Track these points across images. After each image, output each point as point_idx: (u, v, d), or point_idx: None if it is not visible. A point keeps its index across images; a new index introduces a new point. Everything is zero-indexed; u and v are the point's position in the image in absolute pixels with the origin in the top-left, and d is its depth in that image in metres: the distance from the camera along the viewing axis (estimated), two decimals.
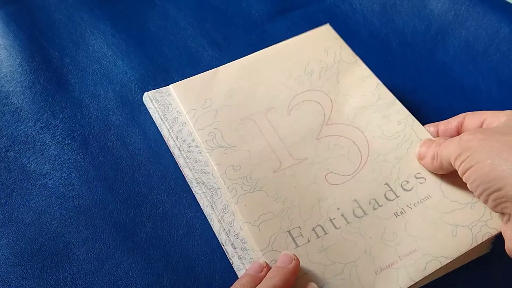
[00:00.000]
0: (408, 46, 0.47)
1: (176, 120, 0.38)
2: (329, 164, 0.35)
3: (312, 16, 0.51)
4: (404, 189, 0.34)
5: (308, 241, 0.32)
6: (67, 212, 0.38)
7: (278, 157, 0.35)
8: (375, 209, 0.33)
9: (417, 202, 0.33)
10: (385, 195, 0.34)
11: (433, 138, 0.35)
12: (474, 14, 0.45)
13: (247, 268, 0.32)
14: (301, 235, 0.32)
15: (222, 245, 0.34)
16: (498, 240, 0.33)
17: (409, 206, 0.33)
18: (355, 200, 0.33)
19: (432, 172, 0.34)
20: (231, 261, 0.33)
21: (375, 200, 0.33)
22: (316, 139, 0.36)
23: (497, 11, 0.45)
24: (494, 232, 0.31)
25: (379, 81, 0.39)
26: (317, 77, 0.40)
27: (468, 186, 0.30)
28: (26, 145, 0.41)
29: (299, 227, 0.32)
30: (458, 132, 0.35)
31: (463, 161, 0.30)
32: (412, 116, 0.37)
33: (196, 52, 0.47)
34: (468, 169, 0.29)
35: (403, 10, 0.48)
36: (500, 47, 0.44)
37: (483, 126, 0.33)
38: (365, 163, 0.35)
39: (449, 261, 0.31)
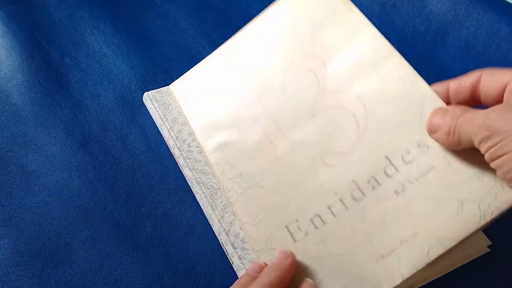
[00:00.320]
0: (408, 46, 0.47)
1: (176, 120, 0.38)
2: (326, 142, 0.33)
3: None
4: (405, 162, 0.30)
5: (306, 234, 0.31)
6: (67, 212, 0.38)
7: (274, 144, 0.34)
8: (374, 188, 0.30)
9: (419, 176, 0.30)
10: (384, 171, 0.31)
11: (446, 107, 0.29)
12: (474, 14, 0.45)
13: (247, 268, 0.32)
14: (299, 228, 0.31)
15: (222, 245, 0.34)
16: (498, 240, 0.33)
17: (411, 181, 0.30)
18: (353, 181, 0.31)
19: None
20: (231, 261, 0.33)
21: (374, 178, 0.31)
22: (312, 115, 0.34)
23: (497, 11, 0.45)
24: (505, 207, 0.27)
25: (374, 29, 0.33)
26: (308, 40, 0.35)
27: (498, 174, 0.27)
28: (26, 145, 0.41)
29: (296, 220, 0.32)
30: (473, 94, 0.30)
31: (493, 146, 0.25)
32: (414, 71, 0.32)
33: (196, 52, 0.47)
34: (500, 156, 0.25)
35: (403, 10, 0.48)
36: (500, 47, 0.44)
37: (507, 92, 0.28)
38: (363, 135, 0.32)
39: (454, 244, 0.28)
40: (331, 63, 0.34)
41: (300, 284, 0.30)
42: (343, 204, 0.31)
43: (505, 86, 0.28)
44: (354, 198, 0.31)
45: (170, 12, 0.50)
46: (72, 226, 0.37)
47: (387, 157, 0.31)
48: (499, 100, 0.28)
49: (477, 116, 0.26)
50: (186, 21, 0.50)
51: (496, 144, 0.25)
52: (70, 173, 0.40)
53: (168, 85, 0.40)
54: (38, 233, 0.37)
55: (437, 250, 0.28)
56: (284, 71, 0.35)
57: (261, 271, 0.30)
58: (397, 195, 0.30)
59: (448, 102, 0.30)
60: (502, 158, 0.25)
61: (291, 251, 0.31)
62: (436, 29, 0.47)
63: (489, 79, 0.29)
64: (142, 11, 0.50)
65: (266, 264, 0.31)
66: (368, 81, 0.33)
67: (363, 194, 0.31)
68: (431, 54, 0.47)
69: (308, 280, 0.30)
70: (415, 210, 0.29)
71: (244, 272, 0.32)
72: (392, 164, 0.31)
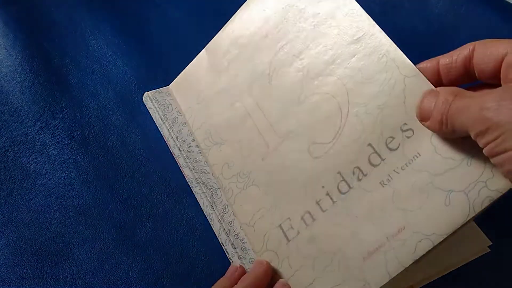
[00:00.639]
0: (408, 46, 0.47)
1: (176, 120, 0.38)
2: (311, 133, 0.32)
3: None
4: (390, 149, 0.28)
5: (298, 233, 0.31)
6: (67, 212, 0.38)
7: (265, 139, 0.34)
8: (359, 180, 0.29)
9: (405, 165, 0.28)
10: (369, 159, 0.29)
11: (436, 89, 0.26)
12: (474, 14, 0.45)
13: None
14: (291, 227, 0.31)
15: (222, 245, 0.34)
16: (498, 240, 0.33)
17: (396, 170, 0.28)
18: (338, 172, 0.30)
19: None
20: (231, 261, 0.33)
21: (359, 169, 0.29)
22: (298, 104, 0.33)
23: (497, 11, 0.45)
24: (496, 196, 0.25)
25: (356, 4, 0.32)
26: (292, 23, 0.34)
27: (500, 171, 0.24)
28: (26, 145, 0.41)
29: (289, 218, 0.31)
30: (467, 70, 0.27)
31: (492, 141, 0.23)
32: (396, 47, 0.30)
33: (196, 52, 0.47)
34: (500, 153, 0.23)
35: (403, 10, 0.48)
36: None
37: (504, 68, 0.25)
38: (345, 121, 0.30)
39: (442, 239, 0.26)
40: (314, 47, 0.33)
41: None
42: (330, 198, 0.30)
43: (502, 60, 0.25)
44: (340, 191, 0.30)
45: (170, 12, 0.50)
46: (72, 226, 0.37)
47: (370, 145, 0.29)
48: (496, 75, 0.25)
49: (472, 104, 0.23)
50: (186, 21, 0.50)
51: (495, 139, 0.22)
52: (70, 173, 0.40)
53: (168, 85, 0.40)
54: (38, 233, 0.37)
55: (424, 246, 0.26)
56: (269, 59, 0.35)
57: (236, 271, 0.32)
58: (382, 186, 0.28)
59: (439, 82, 0.28)
60: (503, 156, 0.23)
61: (266, 260, 0.32)
62: (436, 29, 0.47)
63: (483, 53, 0.26)
64: (142, 11, 0.50)
65: (240, 266, 0.32)
66: (348, 62, 0.31)
67: (349, 186, 0.30)
68: (431, 54, 0.46)
69: (280, 280, 0.31)
70: (401, 203, 0.28)
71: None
72: (376, 152, 0.29)
